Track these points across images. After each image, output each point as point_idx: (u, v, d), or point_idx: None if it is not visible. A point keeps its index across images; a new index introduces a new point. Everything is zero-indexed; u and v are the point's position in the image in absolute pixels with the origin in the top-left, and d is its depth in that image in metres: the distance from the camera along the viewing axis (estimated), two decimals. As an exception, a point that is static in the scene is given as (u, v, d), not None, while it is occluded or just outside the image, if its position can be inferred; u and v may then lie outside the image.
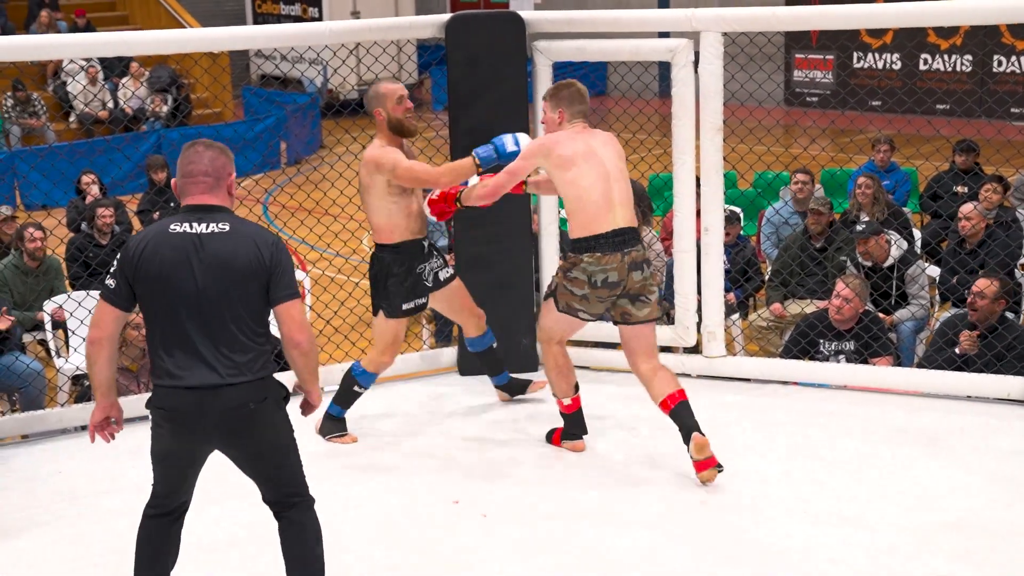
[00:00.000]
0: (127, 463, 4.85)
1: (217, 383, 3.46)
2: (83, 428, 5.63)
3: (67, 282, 7.64)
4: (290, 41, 6.72)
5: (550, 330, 4.98)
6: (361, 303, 6.43)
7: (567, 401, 5.11)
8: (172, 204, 9.37)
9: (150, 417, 3.60)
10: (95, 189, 9.31)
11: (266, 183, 8.12)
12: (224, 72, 15.28)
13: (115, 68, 15.25)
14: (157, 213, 9.25)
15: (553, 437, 5.20)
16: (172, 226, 3.48)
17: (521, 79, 5.89)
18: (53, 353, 7.14)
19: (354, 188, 5.33)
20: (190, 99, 15.64)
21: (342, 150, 6.80)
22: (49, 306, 7.15)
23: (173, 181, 3.62)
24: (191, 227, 3.47)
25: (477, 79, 5.80)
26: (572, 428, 5.14)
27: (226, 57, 15.00)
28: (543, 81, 5.91)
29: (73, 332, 6.93)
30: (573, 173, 4.69)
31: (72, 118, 15.11)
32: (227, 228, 3.48)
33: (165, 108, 14.98)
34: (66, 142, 13.75)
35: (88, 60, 14.53)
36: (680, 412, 4.73)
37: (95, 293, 7.13)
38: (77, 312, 6.80)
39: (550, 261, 6.12)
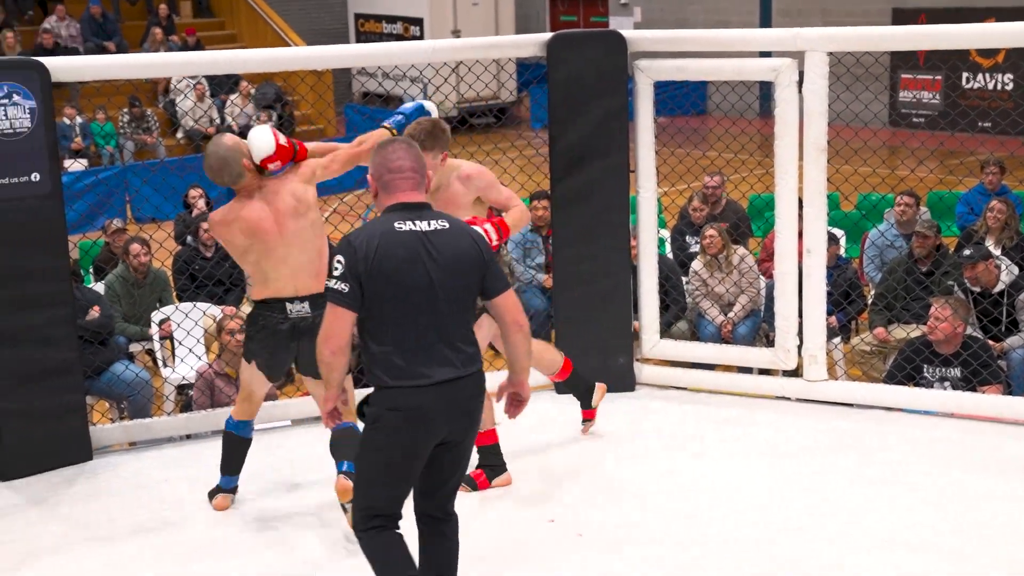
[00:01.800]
0: (229, 472, 4.96)
1: (457, 375, 3.47)
2: (188, 437, 5.80)
3: (174, 294, 7.86)
4: (394, 59, 6.82)
5: None
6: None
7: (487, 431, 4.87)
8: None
9: (371, 424, 3.52)
10: (201, 203, 9.56)
11: (368, 199, 8.27)
12: (328, 89, 15.55)
13: (223, 85, 15.67)
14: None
15: (479, 483, 4.91)
16: (396, 224, 3.45)
17: (622, 98, 5.90)
18: (160, 363, 7.35)
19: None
20: (294, 116, 15.97)
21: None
22: (157, 316, 7.37)
23: (369, 177, 3.60)
24: (415, 225, 3.46)
25: (578, 98, 5.84)
26: (493, 461, 4.94)
27: (330, 75, 15.29)
28: (644, 100, 5.92)
29: (180, 343, 7.13)
30: None
31: (180, 134, 15.56)
32: (447, 225, 3.50)
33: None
34: (176, 157, 14.15)
35: (195, 78, 14.95)
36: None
37: (202, 305, 7.34)
38: (184, 323, 6.99)
39: (648, 280, 6.12)
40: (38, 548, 4.62)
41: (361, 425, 3.66)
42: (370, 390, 3.55)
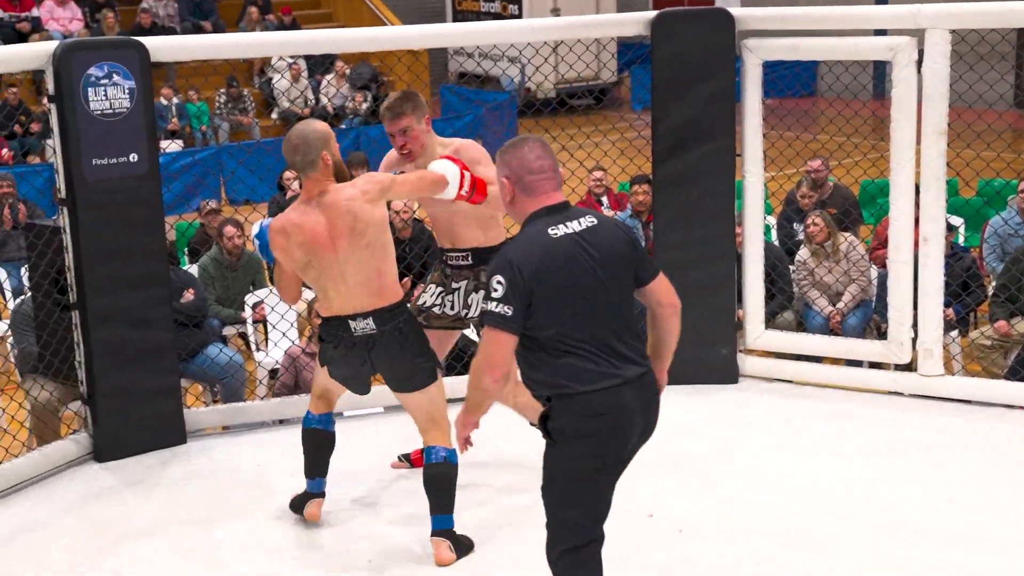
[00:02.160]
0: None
1: (642, 370, 3.38)
2: (281, 422, 5.80)
3: (267, 276, 7.91)
4: (493, 39, 6.75)
5: None
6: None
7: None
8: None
9: (564, 439, 3.31)
10: (296, 185, 9.61)
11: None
12: (424, 70, 15.57)
13: (319, 66, 15.76)
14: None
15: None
16: (551, 231, 3.32)
17: (728, 79, 5.73)
18: (253, 347, 7.39)
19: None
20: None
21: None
22: (251, 299, 7.41)
23: (504, 180, 3.40)
24: (567, 227, 3.34)
25: (682, 78, 5.68)
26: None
27: (426, 55, 15.28)
28: (752, 81, 5.74)
29: (274, 327, 7.16)
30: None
31: (275, 114, 15.69)
32: (595, 221, 3.39)
33: (365, 105, 15.38)
34: (271, 138, 14.26)
35: (291, 58, 15.05)
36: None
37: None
38: (277, 307, 7.02)
39: (754, 268, 5.94)
40: (132, 529, 4.66)
41: (457, 452, 3.66)
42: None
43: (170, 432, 5.40)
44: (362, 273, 4.14)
